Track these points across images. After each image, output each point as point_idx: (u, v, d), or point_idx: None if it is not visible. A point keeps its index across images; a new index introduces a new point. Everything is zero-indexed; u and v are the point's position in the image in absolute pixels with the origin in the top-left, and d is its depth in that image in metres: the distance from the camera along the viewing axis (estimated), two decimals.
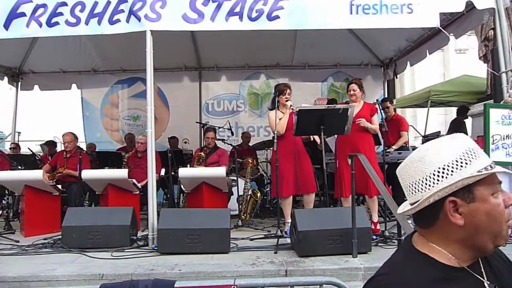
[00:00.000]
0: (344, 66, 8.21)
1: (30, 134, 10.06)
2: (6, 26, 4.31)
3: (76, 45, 7.27)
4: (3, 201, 5.73)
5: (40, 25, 4.27)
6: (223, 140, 6.08)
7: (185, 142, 7.94)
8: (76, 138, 5.82)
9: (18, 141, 8.55)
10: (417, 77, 15.92)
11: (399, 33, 6.50)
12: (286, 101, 4.66)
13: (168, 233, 3.87)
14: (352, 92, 4.67)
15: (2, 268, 3.46)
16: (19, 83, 8.13)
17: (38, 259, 3.79)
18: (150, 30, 4.29)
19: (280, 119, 4.58)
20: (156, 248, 3.94)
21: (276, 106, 4.65)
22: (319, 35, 7.08)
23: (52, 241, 4.38)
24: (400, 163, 1.02)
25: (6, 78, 7.92)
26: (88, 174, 4.92)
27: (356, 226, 3.62)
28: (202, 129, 6.72)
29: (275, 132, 4.54)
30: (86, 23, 4.30)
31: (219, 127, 6.63)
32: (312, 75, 8.17)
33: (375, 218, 4.61)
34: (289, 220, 4.68)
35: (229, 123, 6.74)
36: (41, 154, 8.22)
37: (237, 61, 8.06)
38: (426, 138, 6.88)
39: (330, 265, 3.47)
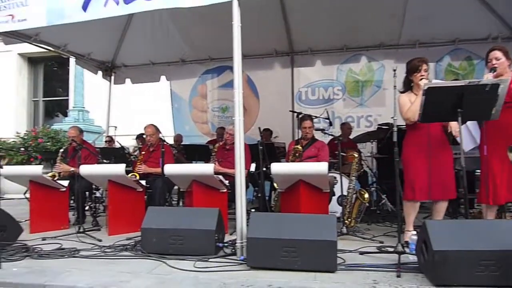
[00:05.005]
0: (464, 41, 6.71)
1: (126, 129, 10.21)
2: (85, 7, 3.95)
3: (164, 35, 7.00)
4: (92, 195, 5.56)
5: (117, 2, 3.84)
6: (322, 130, 5.20)
7: (275, 137, 7.24)
8: (157, 130, 5.42)
9: (115, 135, 8.64)
10: None
11: None
12: (421, 79, 3.65)
13: (260, 243, 3.14)
14: (494, 62, 3.43)
15: (74, 276, 3.05)
16: (112, 77, 8.16)
17: (115, 265, 3.33)
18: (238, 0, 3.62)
19: (412, 103, 3.66)
20: (245, 260, 3.25)
21: (410, 88, 3.77)
22: (434, 5, 5.89)
23: (133, 243, 3.97)
24: None
25: (100, 72, 7.98)
26: (170, 169, 4.42)
27: None
28: (296, 118, 5.94)
29: (405, 119, 3.70)
30: None
31: (315, 117, 5.78)
32: (424, 54, 6.60)
33: None
34: (411, 229, 3.71)
35: (326, 112, 5.86)
36: (134, 147, 8.20)
37: (333, 42, 7.05)
38: None
39: None
